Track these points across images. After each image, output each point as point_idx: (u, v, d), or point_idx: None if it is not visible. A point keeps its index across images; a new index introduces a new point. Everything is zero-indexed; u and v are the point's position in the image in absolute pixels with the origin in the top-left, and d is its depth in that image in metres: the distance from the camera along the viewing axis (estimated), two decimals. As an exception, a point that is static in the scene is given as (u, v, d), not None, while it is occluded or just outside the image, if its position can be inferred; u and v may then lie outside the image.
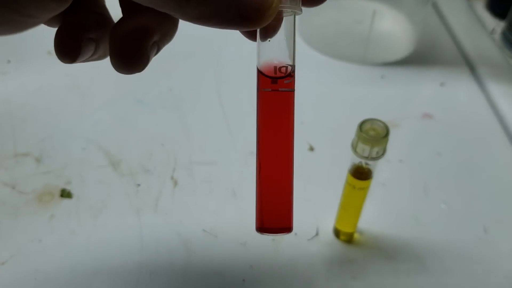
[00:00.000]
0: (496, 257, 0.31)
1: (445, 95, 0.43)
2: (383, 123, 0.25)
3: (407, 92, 0.43)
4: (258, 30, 0.17)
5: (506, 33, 0.57)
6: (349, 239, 0.32)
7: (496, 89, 0.43)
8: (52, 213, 0.32)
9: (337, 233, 0.32)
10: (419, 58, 0.47)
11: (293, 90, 0.18)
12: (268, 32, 0.17)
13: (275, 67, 0.17)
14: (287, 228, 0.20)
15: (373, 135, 0.24)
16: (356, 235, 0.32)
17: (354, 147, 0.25)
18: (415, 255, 0.31)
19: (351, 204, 0.29)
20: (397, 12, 0.49)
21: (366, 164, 0.27)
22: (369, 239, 0.32)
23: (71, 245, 0.31)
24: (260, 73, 0.17)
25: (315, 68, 0.45)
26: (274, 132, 0.18)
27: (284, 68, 0.17)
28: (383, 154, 0.25)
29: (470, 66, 0.46)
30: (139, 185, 0.34)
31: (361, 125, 0.25)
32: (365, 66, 0.45)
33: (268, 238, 0.31)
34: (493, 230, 0.32)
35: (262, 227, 0.19)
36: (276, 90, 0.17)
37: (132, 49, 0.16)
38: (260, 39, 0.17)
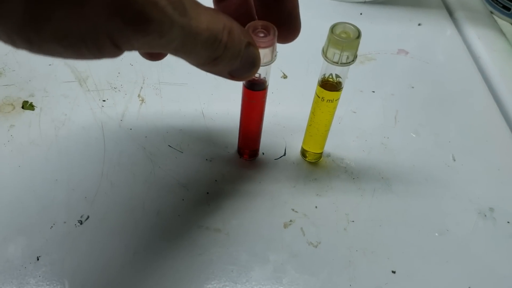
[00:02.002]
0: (463, 183, 0.31)
1: (422, 34, 0.43)
2: (355, 26, 0.24)
3: (384, 29, 0.42)
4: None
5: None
6: (316, 160, 0.31)
7: (472, 32, 0.43)
8: (12, 123, 0.31)
9: (304, 154, 0.31)
10: (398, -1, 0.47)
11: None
12: None
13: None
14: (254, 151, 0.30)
15: (344, 38, 0.24)
16: (322, 157, 0.31)
17: (324, 52, 0.25)
18: (381, 177, 0.31)
19: (319, 120, 0.28)
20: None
21: (337, 76, 0.26)
22: (336, 160, 0.31)
23: (30, 155, 0.30)
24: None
25: None
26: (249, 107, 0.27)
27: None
28: (353, 60, 0.25)
29: (449, 10, 0.46)
30: (104, 100, 0.33)
31: (332, 28, 0.24)
32: (344, 3, 0.45)
33: (235, 156, 0.31)
34: (462, 158, 0.33)
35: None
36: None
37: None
38: None
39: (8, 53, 0.36)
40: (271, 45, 0.23)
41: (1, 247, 0.25)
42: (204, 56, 0.18)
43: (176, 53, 0.18)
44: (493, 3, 0.56)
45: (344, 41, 0.24)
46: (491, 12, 0.56)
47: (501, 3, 0.55)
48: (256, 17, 0.24)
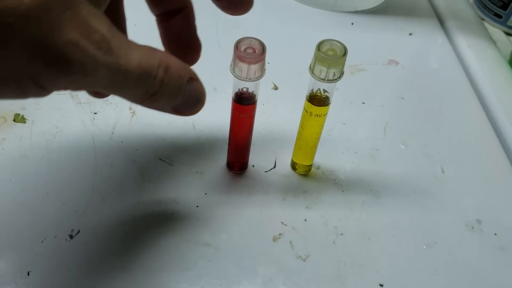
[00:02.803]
0: (451, 195, 0.31)
1: (413, 44, 0.43)
2: (342, 43, 0.24)
3: (375, 39, 0.43)
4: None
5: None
6: (305, 172, 0.32)
7: (463, 41, 0.43)
8: (3, 136, 0.31)
9: (294, 166, 0.32)
10: (390, 8, 0.47)
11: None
12: None
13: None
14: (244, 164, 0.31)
15: (331, 55, 0.24)
16: (312, 169, 0.32)
17: (311, 69, 0.25)
18: (370, 189, 0.31)
19: (308, 134, 0.29)
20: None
21: (325, 91, 0.27)
22: (325, 173, 0.32)
23: (21, 168, 0.30)
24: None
25: (285, 12, 0.44)
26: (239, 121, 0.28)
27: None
28: (340, 77, 0.25)
29: (440, 19, 0.46)
30: (96, 113, 0.33)
31: (319, 45, 0.24)
32: (335, 13, 0.45)
33: (224, 169, 0.31)
34: (451, 170, 0.33)
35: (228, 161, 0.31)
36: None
37: None
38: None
39: (0, 65, 0.36)
40: (259, 61, 0.24)
41: (-8, 262, 0.25)
42: (139, 93, 0.18)
43: (108, 91, 0.18)
44: (485, 10, 0.56)
45: (330, 59, 0.24)
46: (483, 19, 0.56)
47: (493, 11, 0.55)
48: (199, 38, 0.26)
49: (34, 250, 0.26)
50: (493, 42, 0.46)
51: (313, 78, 0.25)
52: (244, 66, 0.24)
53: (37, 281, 0.25)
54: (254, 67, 0.24)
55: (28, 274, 0.25)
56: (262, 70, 0.24)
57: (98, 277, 0.25)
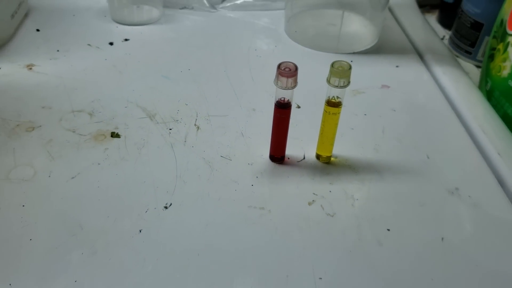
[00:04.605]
0: (435, 172, 0.43)
1: (400, 73, 0.56)
2: (347, 62, 0.37)
3: (370, 71, 0.56)
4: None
5: (452, 36, 0.71)
6: (327, 161, 0.43)
7: (439, 70, 0.56)
8: (106, 147, 0.43)
9: (318, 157, 0.43)
10: (380, 49, 0.60)
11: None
12: None
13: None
14: (282, 157, 0.43)
15: (341, 70, 0.37)
16: (332, 159, 0.43)
17: (328, 80, 0.37)
18: (376, 170, 0.42)
19: (327, 128, 0.41)
20: (362, 17, 0.63)
21: (338, 97, 0.39)
22: (342, 161, 0.43)
23: (122, 167, 0.42)
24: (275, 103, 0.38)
25: (300, 56, 0.58)
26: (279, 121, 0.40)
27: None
28: (347, 84, 0.37)
29: (420, 54, 0.60)
30: (171, 129, 0.46)
31: (333, 64, 0.37)
32: (338, 54, 0.58)
33: (268, 161, 0.43)
34: (434, 157, 0.44)
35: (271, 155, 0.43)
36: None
37: None
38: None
39: (94, 101, 0.49)
40: (294, 75, 0.36)
41: (115, 224, 0.36)
42: None
43: None
44: (457, 48, 0.70)
45: (341, 71, 0.36)
46: (457, 56, 0.70)
47: (464, 49, 0.69)
48: None
49: (142, 217, 0.37)
50: (464, 71, 0.59)
51: (329, 87, 0.38)
52: (283, 79, 0.36)
53: (146, 237, 0.36)
54: (291, 80, 0.36)
55: (140, 232, 0.36)
56: (296, 82, 0.37)
57: (186, 232, 0.36)
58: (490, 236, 0.37)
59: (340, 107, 0.39)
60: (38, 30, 0.61)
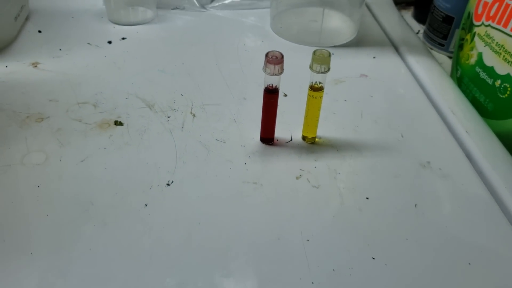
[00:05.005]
0: (409, 149, 0.48)
1: (377, 63, 0.61)
2: (327, 50, 0.42)
3: (349, 62, 0.61)
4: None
5: (426, 30, 0.76)
6: (312, 142, 0.48)
7: (413, 60, 0.61)
8: (110, 134, 0.48)
9: (304, 138, 0.48)
10: (358, 42, 0.66)
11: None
12: None
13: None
14: (272, 138, 0.47)
15: (321, 56, 0.41)
16: (317, 139, 0.48)
17: (311, 67, 0.42)
18: (355, 148, 0.47)
19: (311, 111, 0.45)
20: (341, 13, 0.68)
21: (320, 82, 0.43)
22: (326, 141, 0.48)
23: (126, 150, 0.46)
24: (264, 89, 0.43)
25: (286, 50, 0.62)
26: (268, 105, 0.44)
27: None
28: (328, 69, 0.42)
29: (395, 47, 0.65)
30: (169, 117, 0.50)
31: (314, 52, 0.42)
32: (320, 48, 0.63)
33: (258, 142, 0.47)
34: (408, 136, 0.49)
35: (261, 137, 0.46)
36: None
37: None
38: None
39: (97, 93, 0.53)
40: (280, 63, 0.41)
41: (123, 200, 0.41)
42: None
43: None
44: (431, 41, 0.75)
45: (321, 58, 0.41)
46: (431, 48, 0.75)
47: (437, 41, 0.74)
48: None
49: (147, 193, 0.41)
50: (436, 61, 0.64)
51: (312, 72, 0.42)
52: (271, 66, 0.41)
53: (150, 210, 0.40)
54: (278, 67, 0.41)
55: (146, 206, 0.40)
56: (282, 69, 0.41)
57: (187, 204, 0.41)
58: (458, 203, 0.42)
59: (322, 92, 0.44)
60: (40, 31, 0.64)
